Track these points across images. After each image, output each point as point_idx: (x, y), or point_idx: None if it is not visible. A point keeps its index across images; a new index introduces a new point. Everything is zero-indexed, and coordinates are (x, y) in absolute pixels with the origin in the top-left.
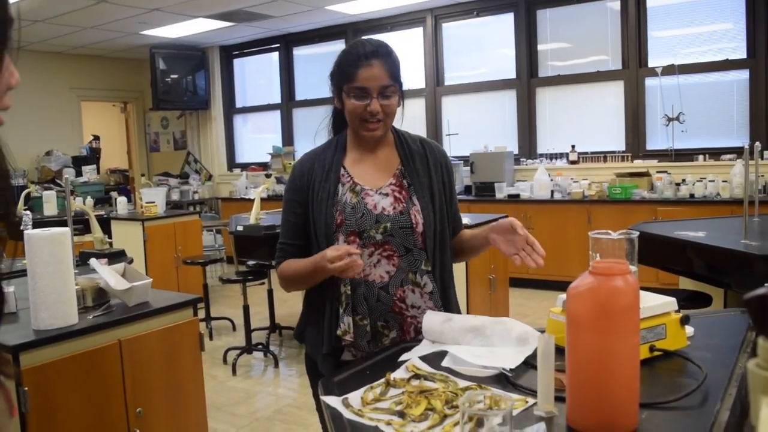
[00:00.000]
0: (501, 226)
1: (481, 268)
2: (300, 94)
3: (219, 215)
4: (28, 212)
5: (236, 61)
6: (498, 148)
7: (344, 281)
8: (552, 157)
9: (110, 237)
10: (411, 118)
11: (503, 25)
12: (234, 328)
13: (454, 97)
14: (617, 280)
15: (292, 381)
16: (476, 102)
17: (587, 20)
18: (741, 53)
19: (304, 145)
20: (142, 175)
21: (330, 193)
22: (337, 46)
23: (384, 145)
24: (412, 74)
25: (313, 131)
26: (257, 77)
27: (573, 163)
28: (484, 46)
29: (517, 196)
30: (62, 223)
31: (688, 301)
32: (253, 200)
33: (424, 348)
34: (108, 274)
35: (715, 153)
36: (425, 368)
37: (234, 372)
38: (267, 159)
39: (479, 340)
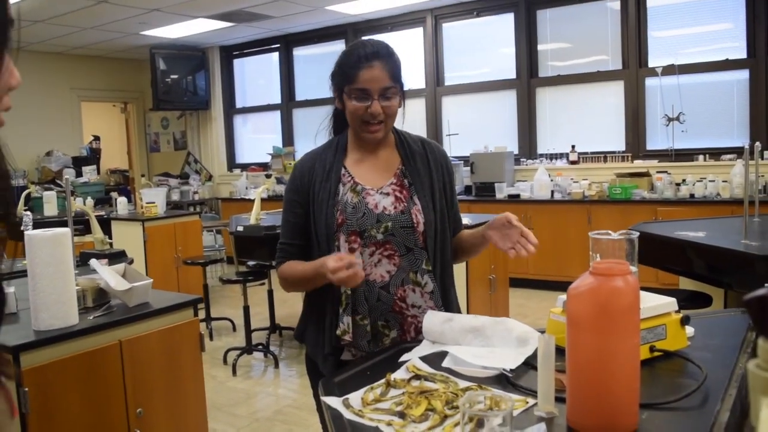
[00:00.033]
0: (497, 221)
1: (481, 269)
2: (300, 95)
3: (219, 215)
4: (28, 213)
5: (236, 62)
6: (498, 148)
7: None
8: (552, 157)
9: (110, 237)
10: (411, 119)
11: (503, 25)
12: (234, 329)
13: (455, 97)
14: (617, 280)
15: (292, 381)
16: (476, 102)
17: (587, 20)
18: (741, 53)
19: (304, 146)
20: (143, 175)
21: (331, 193)
22: (337, 47)
23: (385, 146)
24: (413, 74)
25: (312, 131)
26: (257, 77)
27: (573, 163)
28: (485, 46)
29: (518, 196)
30: (62, 224)
31: (689, 301)
32: (253, 200)
33: (425, 348)
34: (108, 275)
35: (715, 153)
36: (425, 369)
37: (234, 372)
38: (267, 159)
39: (479, 340)
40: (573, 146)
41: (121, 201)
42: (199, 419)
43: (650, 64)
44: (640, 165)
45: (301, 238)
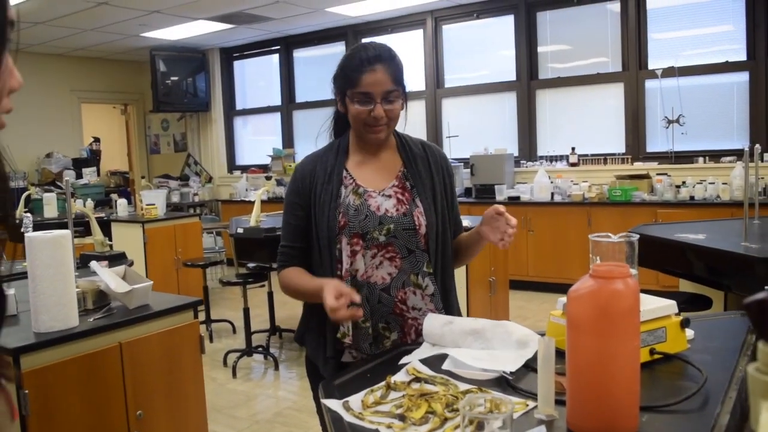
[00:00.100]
0: (487, 214)
1: (481, 271)
2: (300, 97)
3: (219, 217)
4: (28, 214)
5: (236, 63)
6: (498, 150)
7: (345, 283)
8: (552, 159)
9: (110, 239)
10: (411, 120)
11: (503, 27)
12: (234, 331)
13: (455, 99)
14: (617, 283)
15: (292, 384)
16: (476, 104)
17: (587, 22)
18: (741, 55)
19: (304, 147)
20: (143, 177)
21: (333, 195)
22: (338, 49)
23: (386, 148)
24: (413, 76)
25: (312, 133)
26: (257, 79)
27: (573, 165)
28: (485, 48)
29: (518, 198)
30: (63, 226)
31: (689, 303)
32: (253, 202)
33: (425, 351)
34: (108, 277)
35: (715, 155)
36: (426, 371)
37: (234, 374)
38: (267, 161)
39: (479, 343)
40: (573, 148)
41: (121, 203)
42: (199, 421)
43: (650, 67)
44: (640, 167)
45: (303, 240)
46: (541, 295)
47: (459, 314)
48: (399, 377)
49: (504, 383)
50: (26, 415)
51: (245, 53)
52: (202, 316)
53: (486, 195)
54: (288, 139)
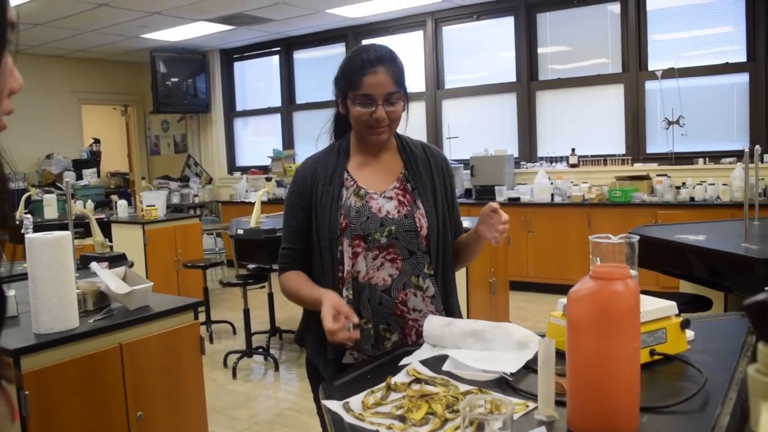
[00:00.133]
0: (482, 213)
1: (481, 272)
2: (300, 98)
3: (219, 218)
4: (28, 216)
5: (237, 65)
6: (498, 152)
7: (347, 285)
8: (552, 160)
9: (111, 240)
10: (411, 122)
11: (503, 29)
12: (234, 332)
13: (455, 100)
14: (618, 284)
15: (292, 384)
16: (476, 105)
17: (587, 23)
18: (741, 56)
19: (304, 149)
20: (143, 178)
21: (334, 197)
22: (338, 50)
23: (387, 150)
24: (413, 78)
25: (312, 134)
26: (258, 80)
27: (573, 166)
28: (485, 49)
29: (518, 199)
30: (63, 227)
31: (689, 304)
32: (253, 203)
33: (425, 352)
34: (109, 278)
35: (715, 156)
36: (426, 372)
37: (234, 375)
38: (267, 162)
39: (480, 344)
40: (573, 149)
41: (122, 204)
42: (199, 422)
43: (650, 68)
44: (640, 168)
45: (304, 243)
46: (541, 296)
47: (460, 316)
48: (399, 378)
49: (504, 384)
50: (27, 416)
51: (245, 54)
52: (202, 317)
53: (486, 196)
54: (288, 140)
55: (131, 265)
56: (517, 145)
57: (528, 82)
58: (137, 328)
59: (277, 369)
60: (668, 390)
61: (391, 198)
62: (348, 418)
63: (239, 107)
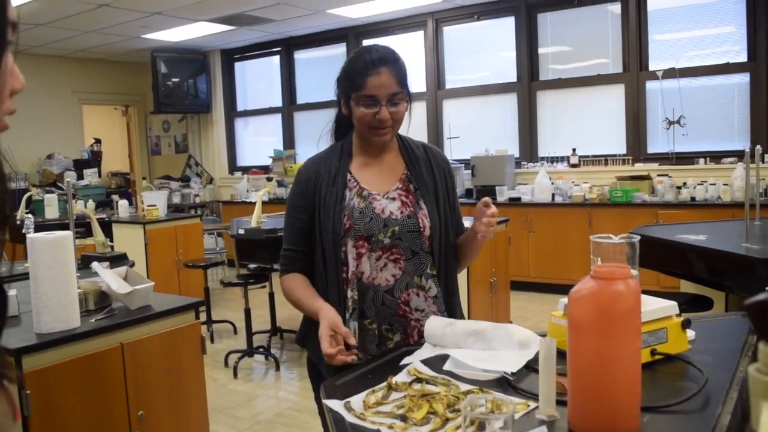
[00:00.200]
0: (476, 209)
1: (482, 271)
2: (301, 98)
3: (220, 218)
4: (29, 215)
5: (237, 65)
6: (499, 152)
7: (351, 286)
8: (553, 160)
9: (111, 240)
10: (412, 122)
11: (504, 29)
12: (235, 331)
13: (455, 100)
14: (619, 284)
15: (293, 384)
16: (477, 105)
17: (588, 23)
18: (742, 56)
19: (305, 149)
20: (144, 178)
21: (338, 198)
22: (339, 50)
23: (389, 150)
24: (414, 78)
25: (313, 135)
26: (258, 81)
27: (574, 166)
28: (485, 49)
29: (518, 199)
30: (64, 227)
31: (690, 304)
32: (254, 203)
33: (426, 352)
34: (110, 278)
35: (716, 156)
36: (427, 372)
37: (235, 375)
38: (268, 162)
39: (481, 343)
40: (574, 149)
41: (122, 204)
42: (200, 422)
43: (651, 68)
44: (640, 168)
45: (306, 243)
46: (542, 296)
47: (462, 316)
48: (400, 378)
49: (505, 384)
50: (28, 415)
51: (246, 55)
52: (203, 317)
53: (487, 196)
54: (289, 140)
55: (132, 265)
56: (518, 145)
57: (529, 82)
58: (138, 328)
59: (278, 368)
60: (669, 390)
61: (394, 199)
62: (349, 418)
63: (240, 107)
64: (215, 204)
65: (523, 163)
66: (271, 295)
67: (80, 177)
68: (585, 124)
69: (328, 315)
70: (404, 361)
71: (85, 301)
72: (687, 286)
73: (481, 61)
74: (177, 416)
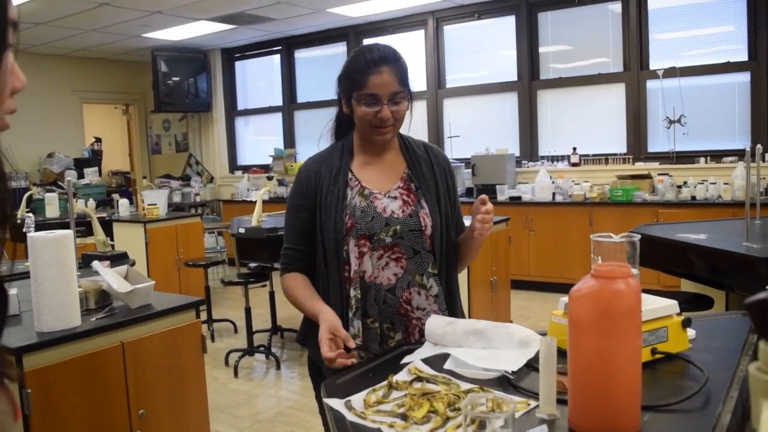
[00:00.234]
0: (473, 207)
1: (482, 271)
2: (301, 97)
3: (220, 217)
4: (30, 214)
5: (238, 64)
6: (499, 151)
7: (354, 285)
8: (553, 159)
9: (112, 239)
10: (413, 121)
11: (504, 28)
12: (236, 330)
13: (456, 99)
14: (619, 283)
15: (293, 383)
16: (478, 104)
17: (588, 23)
18: (742, 56)
19: (305, 148)
20: (144, 177)
21: (339, 197)
22: (339, 49)
23: (390, 149)
24: (414, 77)
25: (313, 133)
26: (259, 80)
27: (574, 165)
28: (486, 48)
29: (519, 198)
30: (64, 226)
31: (690, 303)
32: (254, 202)
33: (427, 350)
34: (110, 277)
35: (716, 155)
36: (427, 371)
37: (236, 374)
38: (269, 161)
39: (481, 342)
40: (574, 148)
41: (123, 203)
42: (201, 421)
43: (651, 67)
44: (641, 167)
45: (306, 243)
46: (543, 295)
47: (462, 316)
48: (401, 377)
49: (506, 383)
50: (29, 414)
51: (247, 54)
52: (203, 316)
53: (487, 195)
54: (289, 139)
55: (133, 264)
56: (519, 144)
57: (529, 81)
58: (139, 327)
59: (278, 367)
60: (670, 388)
61: (395, 198)
62: (350, 417)
63: (240, 106)
64: (216, 203)
65: (523, 162)
66: (272, 294)
67: (81, 176)
68: (585, 123)
69: (327, 318)
70: (405, 360)
71: (86, 300)
72: (687, 285)
73: (481, 60)
74: (177, 415)
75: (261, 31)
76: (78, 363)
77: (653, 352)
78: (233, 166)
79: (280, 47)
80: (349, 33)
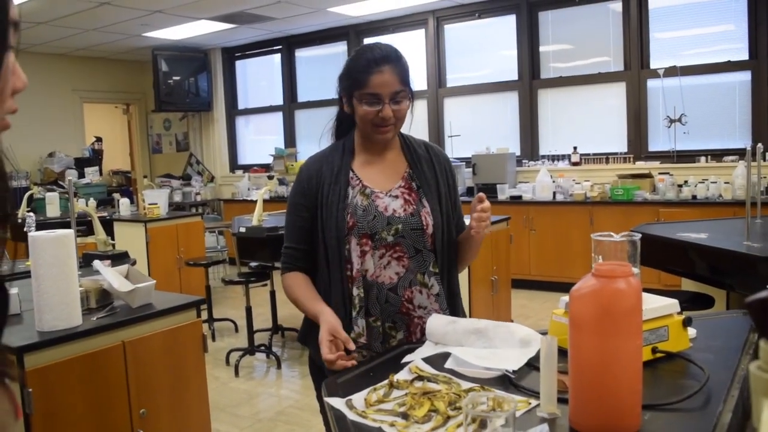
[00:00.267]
0: (472, 205)
1: (483, 270)
2: (302, 96)
3: (221, 217)
4: (31, 214)
5: (238, 63)
6: (500, 150)
7: (357, 284)
8: (554, 158)
9: (113, 239)
10: (413, 120)
11: (505, 27)
12: (236, 330)
13: (456, 98)
14: (620, 282)
15: (294, 382)
16: (478, 103)
17: (589, 22)
18: (743, 55)
19: (306, 147)
20: (145, 176)
21: (341, 195)
22: (339, 48)
23: (391, 149)
24: (415, 76)
25: (314, 133)
26: (259, 79)
27: (575, 164)
28: (486, 47)
29: (519, 197)
30: (65, 225)
31: (691, 302)
32: (255, 202)
33: (427, 349)
34: (111, 276)
35: (717, 154)
36: (428, 370)
37: (237, 373)
38: (269, 160)
39: (482, 341)
40: (575, 147)
41: (124, 202)
42: (202, 420)
43: (652, 66)
44: (642, 166)
45: (307, 242)
46: (544, 294)
47: (463, 315)
48: (402, 376)
49: (506, 382)
50: (30, 413)
51: (247, 53)
52: (204, 315)
53: (488, 194)
54: (290, 138)
55: (134, 263)
56: (519, 144)
57: (530, 81)
58: (140, 326)
59: (279, 367)
60: (670, 387)
61: (396, 197)
62: (350, 416)
63: (241, 105)
64: (216, 202)
65: (524, 161)
66: (273, 294)
67: (81, 175)
68: (586, 123)
69: (327, 320)
70: (405, 359)
71: (87, 300)
72: (688, 284)
73: (482, 60)
74: (178, 414)
75: (261, 30)
76: (79, 362)
77: (654, 351)
78: (234, 165)
79: (280, 46)
80: (350, 32)
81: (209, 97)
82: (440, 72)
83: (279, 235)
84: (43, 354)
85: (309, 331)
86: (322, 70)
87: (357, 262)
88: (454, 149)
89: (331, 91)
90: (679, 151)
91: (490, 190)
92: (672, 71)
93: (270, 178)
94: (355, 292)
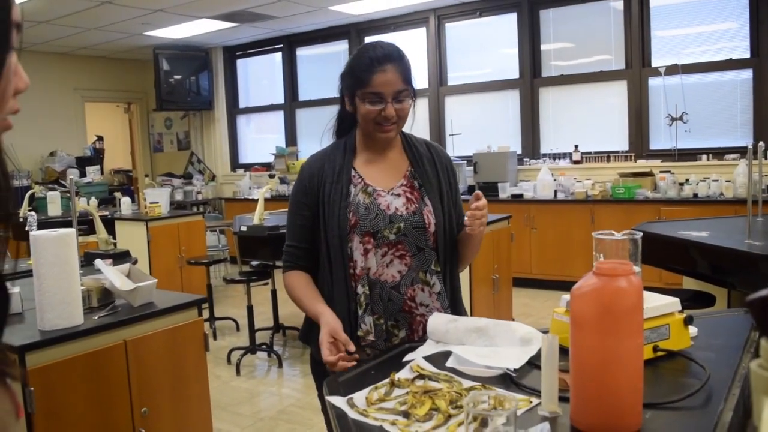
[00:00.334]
0: (470, 203)
1: (484, 268)
2: (303, 95)
3: (222, 215)
4: (32, 213)
5: (239, 62)
6: (501, 148)
7: (362, 282)
8: (555, 156)
9: (114, 237)
10: (415, 118)
11: (506, 25)
12: (238, 329)
13: (458, 97)
14: (621, 280)
15: (295, 381)
16: (479, 102)
17: (590, 20)
18: (745, 53)
19: (307, 146)
20: (146, 175)
21: (343, 194)
22: (341, 47)
23: (393, 147)
24: (416, 74)
25: (315, 131)
26: (260, 78)
27: (576, 162)
28: (487, 46)
29: (521, 196)
30: (66, 224)
31: (692, 301)
32: (256, 200)
33: (429, 348)
34: (113, 275)
35: (718, 153)
36: (429, 368)
37: (238, 372)
38: (270, 159)
39: (483, 340)
40: (576, 146)
41: (125, 201)
42: (203, 418)
43: (653, 64)
44: (643, 165)
45: (308, 241)
46: (545, 292)
47: (465, 313)
48: (403, 374)
49: (508, 380)
50: (32, 412)
51: (248, 51)
52: (205, 314)
53: (489, 193)
54: (291, 137)
55: (135, 262)
56: (520, 142)
57: (531, 79)
58: (141, 325)
59: (280, 365)
60: (671, 386)
61: (399, 195)
62: (352, 414)
63: (242, 104)
64: (217, 201)
65: (525, 159)
66: (274, 292)
67: (83, 174)
68: (587, 121)
69: (328, 321)
70: (407, 358)
71: (88, 299)
72: (689, 283)
73: (483, 58)
74: (180, 413)
75: (262, 29)
76: (81, 361)
77: (655, 349)
78: (235, 164)
79: (281, 45)
80: (351, 31)
81: (210, 95)
82: (441, 70)
83: (280, 234)
84: (45, 353)
85: (310, 329)
86: (323, 68)
87: (360, 260)
88: (455, 148)
89: (333, 90)
90: (680, 149)
91: (491, 188)
92: (673, 69)
93: (271, 176)
94: (360, 290)
